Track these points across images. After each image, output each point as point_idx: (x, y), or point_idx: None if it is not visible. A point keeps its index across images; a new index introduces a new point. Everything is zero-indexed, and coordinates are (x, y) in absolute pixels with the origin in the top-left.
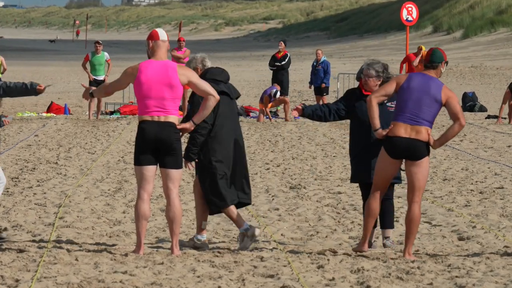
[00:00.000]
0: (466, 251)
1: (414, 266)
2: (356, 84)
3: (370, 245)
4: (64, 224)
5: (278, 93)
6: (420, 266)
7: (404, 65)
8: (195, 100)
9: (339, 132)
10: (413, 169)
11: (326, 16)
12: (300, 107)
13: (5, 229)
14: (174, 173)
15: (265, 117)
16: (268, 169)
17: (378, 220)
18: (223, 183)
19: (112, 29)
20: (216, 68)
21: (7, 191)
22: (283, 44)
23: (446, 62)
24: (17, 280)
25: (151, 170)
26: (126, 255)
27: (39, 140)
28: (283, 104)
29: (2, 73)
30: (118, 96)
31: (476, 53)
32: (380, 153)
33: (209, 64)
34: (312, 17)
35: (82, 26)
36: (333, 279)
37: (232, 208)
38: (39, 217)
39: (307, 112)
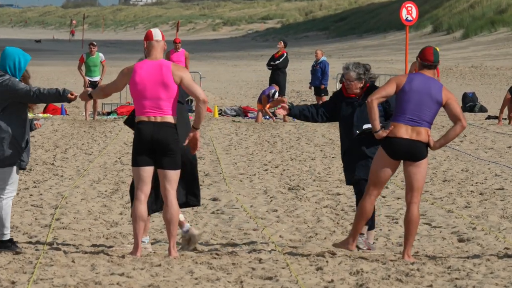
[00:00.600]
0: (466, 252)
1: (414, 268)
2: None
3: (358, 246)
4: (60, 225)
5: (277, 94)
6: (420, 268)
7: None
8: None
9: (338, 133)
10: (412, 169)
11: (325, 16)
12: (286, 106)
13: None
14: (172, 174)
15: (264, 117)
16: (266, 170)
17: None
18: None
19: (109, 29)
20: None
21: None
22: (281, 44)
23: None
24: (13, 282)
25: (148, 171)
26: (123, 256)
27: (35, 141)
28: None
29: None
30: (115, 96)
31: (476, 53)
32: (377, 154)
33: None
34: (311, 17)
35: (79, 26)
36: (332, 281)
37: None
38: (36, 219)
39: (293, 112)
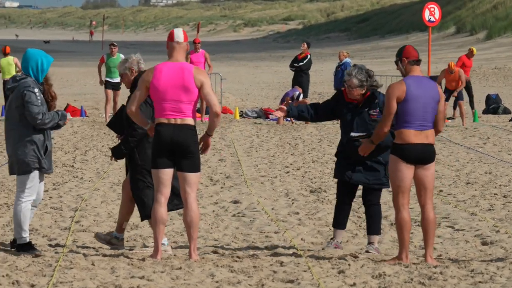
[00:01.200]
0: (489, 256)
1: (437, 271)
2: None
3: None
4: (80, 228)
5: (301, 96)
6: (443, 271)
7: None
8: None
9: None
10: (423, 172)
11: (347, 17)
12: (284, 107)
13: None
14: (192, 176)
15: (285, 119)
16: (288, 172)
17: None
18: (149, 192)
19: (129, 29)
20: None
21: None
22: (305, 45)
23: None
24: (32, 285)
25: (168, 173)
26: (143, 259)
27: (55, 143)
28: (279, 106)
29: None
30: None
31: (499, 54)
32: (391, 164)
33: (143, 66)
34: (333, 18)
35: (99, 27)
36: (354, 284)
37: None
38: (55, 221)
39: (292, 113)
